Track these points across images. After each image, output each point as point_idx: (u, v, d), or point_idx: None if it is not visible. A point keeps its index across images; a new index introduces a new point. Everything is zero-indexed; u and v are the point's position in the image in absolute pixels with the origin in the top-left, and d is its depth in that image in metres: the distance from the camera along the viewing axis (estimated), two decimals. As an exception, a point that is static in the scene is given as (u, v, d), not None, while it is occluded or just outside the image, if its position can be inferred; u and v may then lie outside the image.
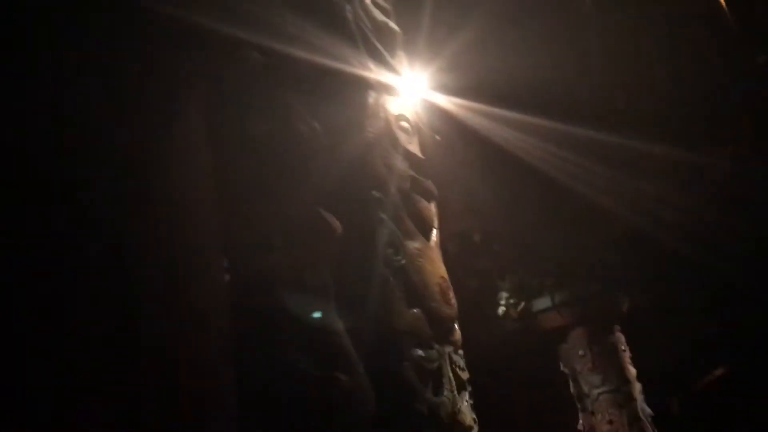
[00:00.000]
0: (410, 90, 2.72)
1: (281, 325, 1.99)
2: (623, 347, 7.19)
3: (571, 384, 7.26)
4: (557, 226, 6.86)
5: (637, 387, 7.02)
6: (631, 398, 6.95)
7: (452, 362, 2.20)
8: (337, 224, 2.09)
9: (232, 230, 2.03)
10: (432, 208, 2.43)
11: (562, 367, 7.39)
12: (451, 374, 2.17)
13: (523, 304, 7.44)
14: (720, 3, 5.22)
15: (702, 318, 8.12)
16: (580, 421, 7.13)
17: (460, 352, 2.29)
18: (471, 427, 2.18)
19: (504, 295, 7.68)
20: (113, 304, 1.87)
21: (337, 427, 1.93)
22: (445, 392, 2.10)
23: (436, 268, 2.23)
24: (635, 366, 7.15)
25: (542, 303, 7.48)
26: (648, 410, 6.99)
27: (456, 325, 2.30)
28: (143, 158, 2.13)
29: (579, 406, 7.16)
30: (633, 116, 6.22)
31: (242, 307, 2.01)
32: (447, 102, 5.94)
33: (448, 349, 2.20)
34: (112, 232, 2.05)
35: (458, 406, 2.14)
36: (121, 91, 2.06)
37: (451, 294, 2.26)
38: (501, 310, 7.68)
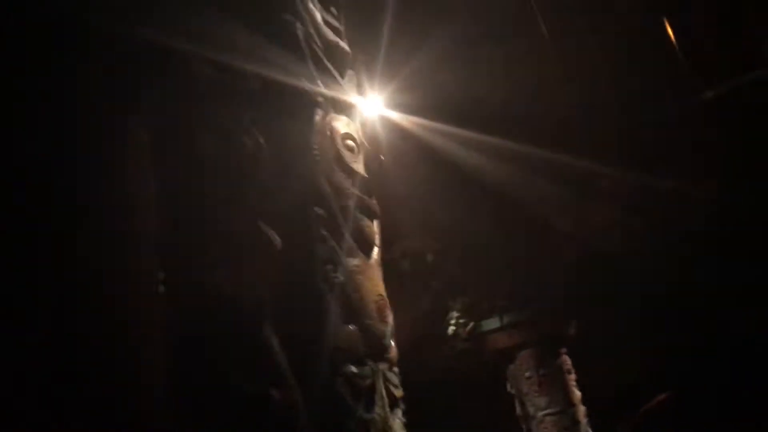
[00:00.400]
0: (361, 109, 2.78)
1: (216, 339, 2.02)
2: (569, 370, 7.32)
3: (517, 405, 7.36)
4: (510, 246, 6.98)
5: (582, 410, 7.14)
6: (575, 421, 7.07)
7: (386, 379, 2.25)
8: (277, 239, 2.13)
9: (172, 243, 2.06)
10: (374, 227, 2.48)
11: (509, 388, 7.49)
12: (384, 391, 2.22)
13: (472, 324, 7.53)
14: (669, 36, 5.40)
15: (648, 343, 8.30)
16: (525, 443, 7.23)
17: (395, 369, 2.34)
18: (402, 446, 2.23)
19: (454, 314, 7.77)
20: (46, 306, 1.89)
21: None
22: (377, 409, 2.15)
23: (375, 286, 2.28)
24: (581, 389, 7.29)
25: (491, 323, 7.58)
26: (591, 433, 7.13)
27: (392, 343, 2.35)
28: (87, 169, 2.16)
29: (524, 427, 7.26)
30: (587, 139, 6.38)
31: (178, 321, 2.03)
32: (404, 120, 6.03)
33: (383, 366, 2.24)
34: (52, 240, 2.07)
35: (389, 423, 2.19)
36: (68, 104, 2.08)
37: (388, 311, 2.31)
38: (451, 329, 7.77)
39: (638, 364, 8.51)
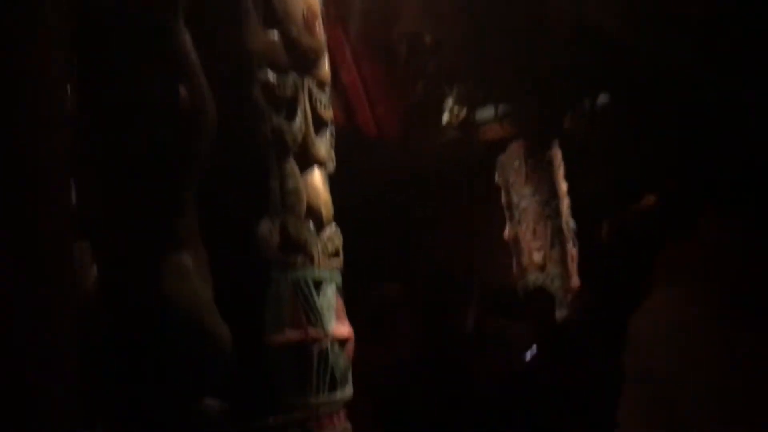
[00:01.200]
0: None
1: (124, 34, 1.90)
2: (559, 163, 7.28)
3: (503, 194, 7.41)
4: (509, 30, 6.68)
5: (566, 202, 7.19)
6: (558, 212, 7.14)
7: (312, 96, 2.15)
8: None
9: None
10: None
11: (497, 178, 7.51)
12: (308, 107, 2.13)
13: (465, 111, 7.40)
14: None
15: (642, 145, 8.18)
16: (507, 230, 7.35)
17: (327, 89, 2.24)
18: (324, 161, 2.17)
19: (449, 103, 7.62)
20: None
21: (182, 146, 1.90)
22: (298, 122, 2.07)
23: (304, -5, 2.13)
24: (568, 182, 7.28)
25: (486, 113, 7.45)
26: (573, 225, 7.20)
27: (325, 63, 2.23)
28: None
29: (507, 215, 7.35)
30: None
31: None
32: None
33: (309, 81, 2.14)
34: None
35: (312, 140, 2.13)
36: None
37: (319, 25, 2.17)
38: (445, 117, 7.64)
39: (635, 162, 8.43)
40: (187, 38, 1.91)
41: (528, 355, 4.65)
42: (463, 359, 4.01)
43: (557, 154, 7.31)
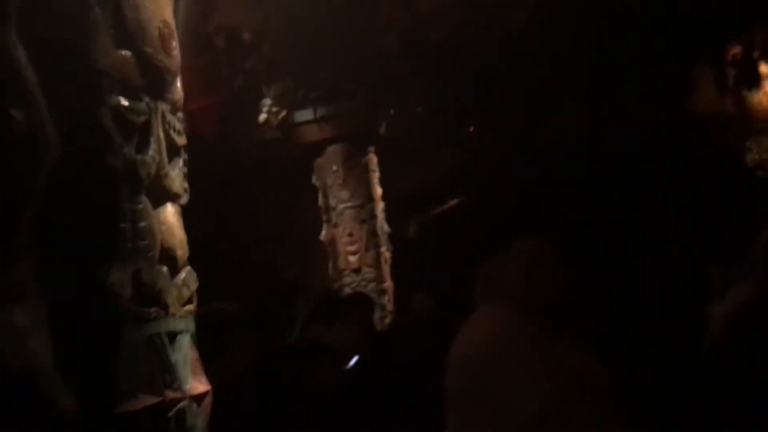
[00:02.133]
0: None
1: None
2: (374, 168, 7.33)
3: (320, 197, 7.33)
4: (334, 34, 6.59)
5: (380, 206, 7.25)
6: (373, 215, 7.19)
7: (166, 122, 1.91)
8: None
9: None
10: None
11: (314, 181, 7.41)
12: (162, 135, 1.88)
13: (284, 112, 7.21)
14: None
15: (451, 150, 8.48)
16: (323, 232, 7.28)
17: (180, 114, 2.00)
18: (178, 194, 1.94)
19: (267, 101, 7.39)
20: None
21: (16, 178, 1.59)
22: (151, 151, 1.82)
23: (159, 9, 1.87)
24: (383, 186, 7.35)
25: (305, 115, 7.31)
26: (387, 228, 7.30)
27: (178, 84, 1.99)
28: None
29: (324, 218, 7.28)
30: None
31: None
32: None
33: (163, 106, 1.89)
34: None
35: (165, 170, 1.88)
36: None
37: (175, 44, 1.93)
38: (263, 116, 7.40)
39: (445, 167, 8.70)
40: (20, 53, 1.60)
41: (353, 360, 4.63)
42: (292, 370, 3.89)
43: (373, 159, 7.35)
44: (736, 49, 7.64)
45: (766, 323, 2.60)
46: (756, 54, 7.77)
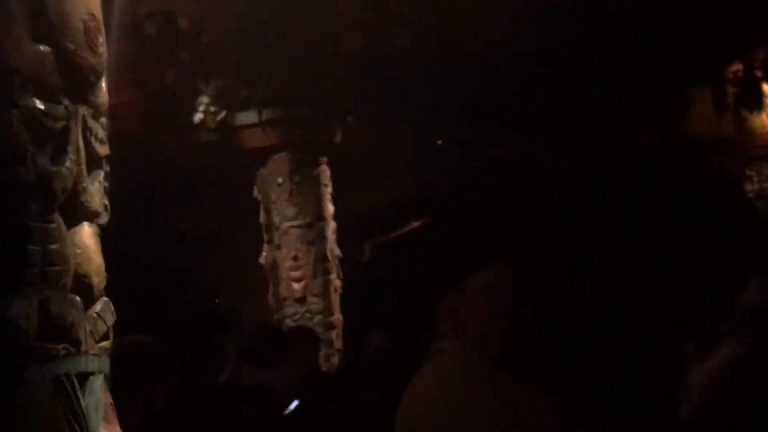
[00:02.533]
0: None
1: None
2: (326, 182, 7.34)
3: (261, 213, 7.32)
4: (286, 27, 6.63)
5: (332, 226, 7.27)
6: (322, 236, 7.20)
7: (87, 129, 1.90)
8: None
9: None
10: None
11: (255, 194, 7.40)
12: (82, 143, 1.88)
13: (224, 113, 7.21)
14: None
15: (412, 169, 8.56)
16: (264, 254, 7.27)
17: (103, 120, 2.00)
18: (97, 213, 1.94)
19: (204, 99, 7.38)
20: None
21: None
22: (68, 163, 1.82)
23: (86, 0, 1.88)
24: (335, 204, 7.38)
25: (247, 117, 7.32)
26: (338, 251, 7.31)
27: (103, 85, 1.99)
28: None
29: (266, 237, 7.27)
30: None
31: None
32: None
33: (85, 110, 1.89)
34: None
35: (83, 184, 1.88)
36: None
37: (102, 40, 1.93)
38: (198, 116, 7.39)
39: (404, 186, 8.79)
40: None
41: (292, 405, 4.63)
42: (221, 415, 3.89)
43: (325, 171, 7.37)
44: (737, 67, 7.90)
45: (744, 390, 2.67)
46: (759, 73, 8.04)
